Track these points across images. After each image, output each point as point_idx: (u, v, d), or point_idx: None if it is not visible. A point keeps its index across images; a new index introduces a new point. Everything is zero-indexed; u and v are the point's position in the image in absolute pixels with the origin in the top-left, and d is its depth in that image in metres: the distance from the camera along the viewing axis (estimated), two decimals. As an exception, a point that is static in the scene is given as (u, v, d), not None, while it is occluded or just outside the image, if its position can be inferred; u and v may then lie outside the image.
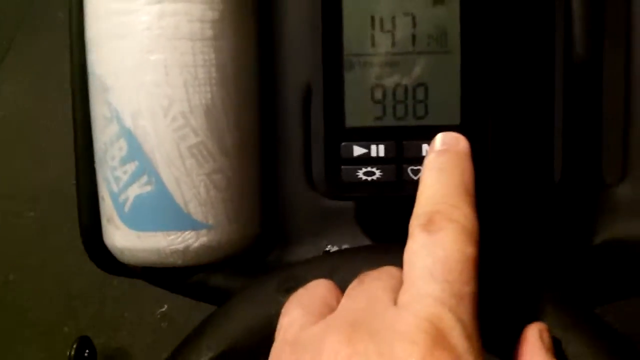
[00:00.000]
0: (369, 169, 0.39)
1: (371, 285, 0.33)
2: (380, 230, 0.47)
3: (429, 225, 0.32)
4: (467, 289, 0.30)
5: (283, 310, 0.35)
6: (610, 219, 0.46)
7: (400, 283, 0.32)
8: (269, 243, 0.48)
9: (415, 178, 0.38)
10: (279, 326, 0.34)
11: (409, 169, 0.38)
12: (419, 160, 0.38)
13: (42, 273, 1.40)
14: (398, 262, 0.35)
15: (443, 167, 0.35)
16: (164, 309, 1.29)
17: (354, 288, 0.34)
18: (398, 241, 0.45)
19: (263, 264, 0.48)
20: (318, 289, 0.35)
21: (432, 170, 0.35)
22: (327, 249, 0.47)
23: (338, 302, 0.34)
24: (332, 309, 0.34)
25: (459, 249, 0.31)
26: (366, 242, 0.47)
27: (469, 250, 0.31)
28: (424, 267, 0.31)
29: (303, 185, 0.47)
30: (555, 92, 0.45)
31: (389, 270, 0.34)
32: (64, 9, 1.52)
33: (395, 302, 0.32)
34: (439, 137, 0.37)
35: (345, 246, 0.47)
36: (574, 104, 0.45)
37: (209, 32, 0.43)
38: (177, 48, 0.42)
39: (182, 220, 0.43)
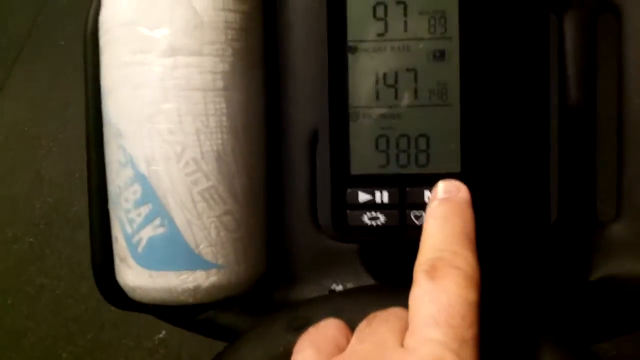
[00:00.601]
0: (373, 214, 0.41)
1: (379, 327, 0.35)
2: (382, 270, 0.49)
3: (432, 271, 0.34)
4: (469, 332, 0.32)
5: (296, 348, 0.36)
6: (604, 257, 0.48)
7: (406, 324, 0.34)
8: (274, 282, 0.50)
9: (418, 223, 0.40)
10: None
11: (411, 214, 0.40)
12: (422, 206, 0.40)
13: (39, 298, 1.41)
14: (403, 304, 0.37)
15: (445, 216, 0.37)
16: (161, 335, 1.30)
17: (362, 330, 0.36)
18: (400, 280, 0.47)
19: (269, 303, 0.50)
20: (329, 329, 0.37)
21: (434, 218, 0.37)
22: (332, 287, 0.49)
23: (348, 341, 0.36)
24: (341, 349, 0.36)
25: (461, 294, 0.33)
26: (369, 281, 0.48)
27: (471, 295, 0.33)
28: (428, 314, 0.33)
29: (308, 226, 0.49)
30: (550, 136, 0.47)
31: (395, 312, 0.36)
32: (65, 38, 1.54)
33: (401, 344, 0.34)
34: (441, 185, 0.39)
35: (349, 285, 0.48)
36: (569, 147, 0.47)
37: (220, 83, 0.45)
38: (189, 98, 0.44)
39: (193, 261, 0.45)
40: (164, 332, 1.31)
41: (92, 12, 0.50)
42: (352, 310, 0.40)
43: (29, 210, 1.48)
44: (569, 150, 0.48)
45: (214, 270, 0.45)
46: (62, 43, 1.53)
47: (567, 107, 0.48)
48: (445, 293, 0.33)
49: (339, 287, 0.48)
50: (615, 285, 0.48)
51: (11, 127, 1.54)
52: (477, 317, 0.33)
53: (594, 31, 0.48)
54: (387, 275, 0.49)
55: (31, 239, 1.46)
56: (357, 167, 0.41)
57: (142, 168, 0.45)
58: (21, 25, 1.59)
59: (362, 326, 0.36)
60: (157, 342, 1.30)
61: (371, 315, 0.37)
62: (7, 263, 1.43)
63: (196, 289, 0.45)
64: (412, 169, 0.41)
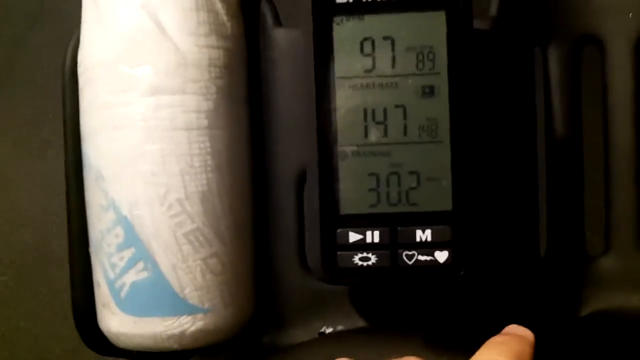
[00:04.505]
0: (364, 254, 0.40)
1: None
2: (373, 311, 0.48)
3: None
4: None
5: None
6: (594, 291, 0.48)
7: None
8: (263, 326, 0.49)
9: (410, 263, 0.39)
10: None
11: (403, 254, 0.39)
12: (413, 245, 0.39)
13: (17, 339, 1.38)
14: (395, 347, 0.36)
15: (505, 341, 0.36)
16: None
17: None
18: (391, 322, 0.46)
19: (258, 347, 0.48)
20: None
21: (494, 342, 0.37)
22: (322, 330, 0.47)
23: None
24: None
25: None
26: (360, 323, 0.47)
27: None
28: None
29: (296, 267, 0.48)
30: (538, 171, 0.47)
31: None
32: (44, 75, 1.53)
33: None
34: (512, 327, 0.39)
35: (340, 327, 0.47)
36: (557, 180, 0.47)
37: (204, 122, 0.44)
38: (173, 138, 0.43)
39: (178, 306, 0.44)
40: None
41: (70, 50, 0.49)
42: (344, 354, 0.39)
43: (7, 249, 1.46)
44: (557, 184, 0.48)
45: (200, 315, 0.44)
46: (40, 82, 1.51)
47: (554, 140, 0.47)
48: None
49: (329, 330, 0.47)
50: (606, 320, 0.48)
51: (-12, 165, 1.52)
52: None
53: (579, 63, 0.48)
54: (378, 317, 0.48)
55: (7, 278, 1.44)
56: (347, 206, 0.40)
57: (125, 211, 0.44)
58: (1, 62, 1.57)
59: None
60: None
61: None
62: (-17, 303, 1.40)
63: (182, 334, 0.44)
64: (403, 208, 0.40)
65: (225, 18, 0.46)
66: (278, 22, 0.48)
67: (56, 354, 1.35)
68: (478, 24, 0.45)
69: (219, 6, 0.45)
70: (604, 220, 0.48)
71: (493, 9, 0.46)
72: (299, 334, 0.48)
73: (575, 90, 0.48)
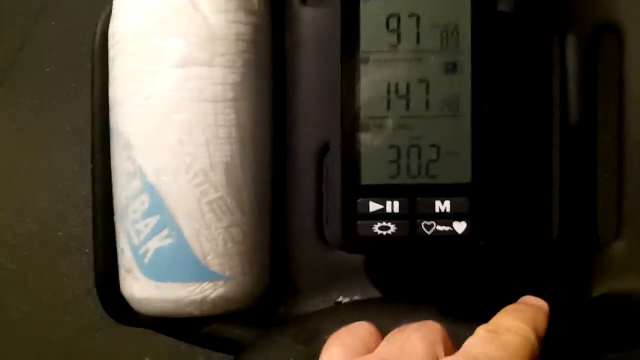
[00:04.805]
0: (384, 224, 0.41)
1: (411, 335, 0.35)
2: (389, 283, 0.49)
3: (493, 330, 0.35)
4: None
5: (325, 347, 0.36)
6: (605, 274, 0.48)
7: (440, 337, 0.35)
8: (280, 295, 0.50)
9: (429, 233, 0.40)
10: None
11: (422, 225, 0.41)
12: (432, 216, 0.40)
13: (21, 325, 1.38)
14: (411, 317, 0.37)
15: (520, 309, 0.37)
16: (145, 364, 1.28)
17: (394, 334, 0.36)
18: (407, 294, 0.47)
19: (274, 316, 0.49)
20: (360, 331, 0.37)
21: (509, 309, 0.38)
22: (339, 300, 0.48)
23: (377, 345, 0.36)
24: (370, 351, 0.36)
25: (519, 350, 0.34)
26: (376, 294, 0.48)
27: (527, 354, 0.34)
28: (481, 348, 0.33)
29: (314, 239, 0.49)
30: (553, 155, 0.48)
31: (430, 324, 0.36)
32: (52, 65, 1.54)
33: (432, 355, 0.34)
34: (527, 297, 0.40)
35: (356, 298, 0.48)
36: (571, 165, 0.48)
37: (230, 95, 0.45)
38: (200, 109, 0.44)
39: (200, 272, 0.45)
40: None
41: (100, 23, 0.50)
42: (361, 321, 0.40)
43: (12, 236, 1.46)
44: (571, 169, 0.48)
45: (221, 282, 0.45)
46: (48, 70, 1.52)
47: (569, 125, 0.48)
48: (503, 343, 0.34)
49: (346, 300, 0.48)
50: (616, 302, 0.48)
51: (-4, 153, 1.52)
52: None
53: (596, 52, 0.48)
54: (394, 289, 0.49)
55: (14, 266, 1.44)
56: (368, 177, 0.41)
57: (151, 179, 0.45)
58: (7, 51, 1.58)
59: (394, 332, 0.36)
60: (141, 371, 1.27)
61: (404, 325, 0.37)
62: (-11, 290, 1.40)
63: (203, 300, 0.45)
64: (423, 180, 0.41)
65: (253, -5, 0.47)
66: (303, 1, 0.50)
67: (59, 340, 1.35)
68: (501, 6, 0.46)
69: (247, -17, 0.47)
70: (616, 206, 0.49)
71: (515, -7, 0.47)
72: (316, 304, 0.48)
73: (591, 78, 0.48)
